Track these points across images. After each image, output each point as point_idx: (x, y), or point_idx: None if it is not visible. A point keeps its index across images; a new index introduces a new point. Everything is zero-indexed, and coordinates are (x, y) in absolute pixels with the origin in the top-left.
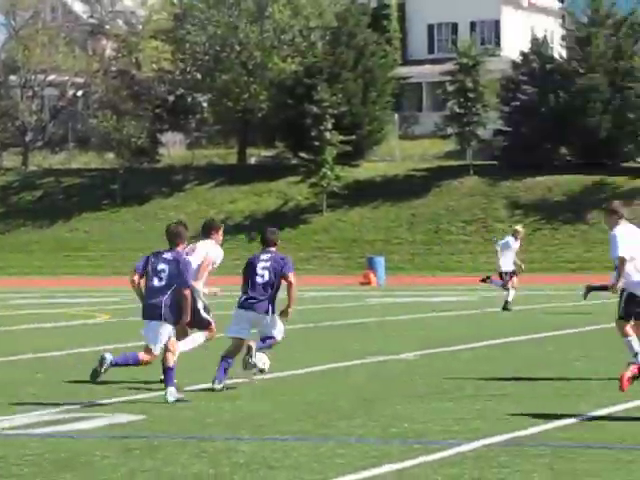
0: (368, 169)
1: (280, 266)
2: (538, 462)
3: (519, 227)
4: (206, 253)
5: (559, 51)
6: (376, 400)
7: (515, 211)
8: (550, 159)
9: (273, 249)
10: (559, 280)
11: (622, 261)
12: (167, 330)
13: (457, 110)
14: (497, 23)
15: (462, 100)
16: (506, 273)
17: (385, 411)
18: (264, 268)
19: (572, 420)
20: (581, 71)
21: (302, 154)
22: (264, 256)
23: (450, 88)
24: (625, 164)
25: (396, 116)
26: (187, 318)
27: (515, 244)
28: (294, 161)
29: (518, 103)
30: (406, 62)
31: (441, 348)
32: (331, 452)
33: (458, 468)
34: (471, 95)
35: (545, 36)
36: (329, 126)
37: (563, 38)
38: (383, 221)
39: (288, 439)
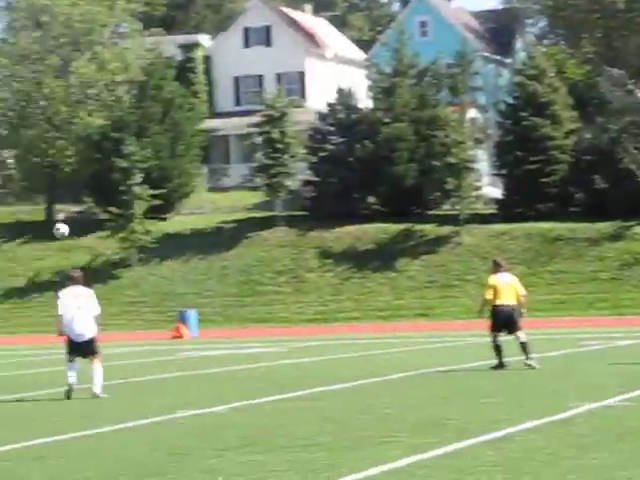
0: (178, 222)
1: None
2: None
3: None
4: None
5: (365, 101)
6: (188, 455)
7: (326, 260)
8: (358, 208)
9: None
10: (370, 328)
11: None
12: None
13: (265, 161)
14: (302, 75)
15: (270, 151)
16: None
17: (197, 466)
18: None
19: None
20: (386, 120)
21: (111, 208)
22: None
23: (257, 140)
24: (432, 211)
25: (205, 169)
26: None
27: None
28: (103, 216)
29: (326, 153)
30: (214, 115)
31: (250, 401)
32: None
33: None
34: (278, 146)
35: (351, 87)
36: (138, 180)
37: (369, 89)
38: (194, 274)
39: None
